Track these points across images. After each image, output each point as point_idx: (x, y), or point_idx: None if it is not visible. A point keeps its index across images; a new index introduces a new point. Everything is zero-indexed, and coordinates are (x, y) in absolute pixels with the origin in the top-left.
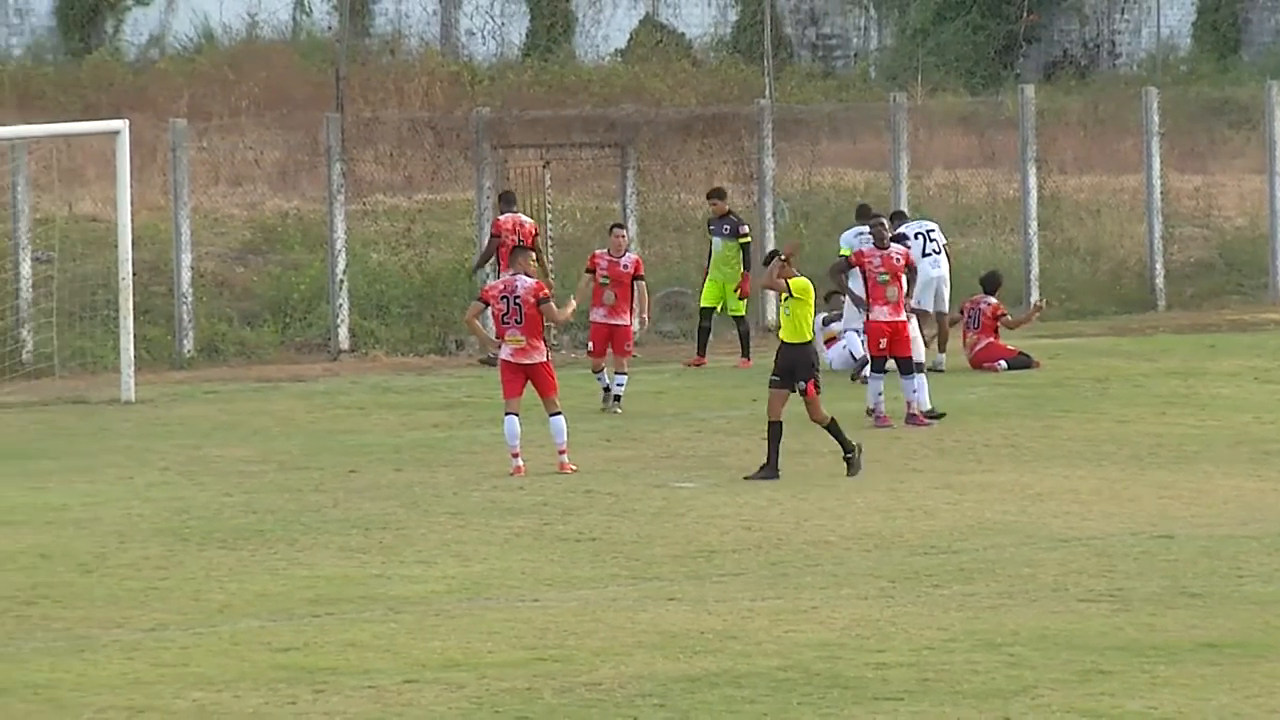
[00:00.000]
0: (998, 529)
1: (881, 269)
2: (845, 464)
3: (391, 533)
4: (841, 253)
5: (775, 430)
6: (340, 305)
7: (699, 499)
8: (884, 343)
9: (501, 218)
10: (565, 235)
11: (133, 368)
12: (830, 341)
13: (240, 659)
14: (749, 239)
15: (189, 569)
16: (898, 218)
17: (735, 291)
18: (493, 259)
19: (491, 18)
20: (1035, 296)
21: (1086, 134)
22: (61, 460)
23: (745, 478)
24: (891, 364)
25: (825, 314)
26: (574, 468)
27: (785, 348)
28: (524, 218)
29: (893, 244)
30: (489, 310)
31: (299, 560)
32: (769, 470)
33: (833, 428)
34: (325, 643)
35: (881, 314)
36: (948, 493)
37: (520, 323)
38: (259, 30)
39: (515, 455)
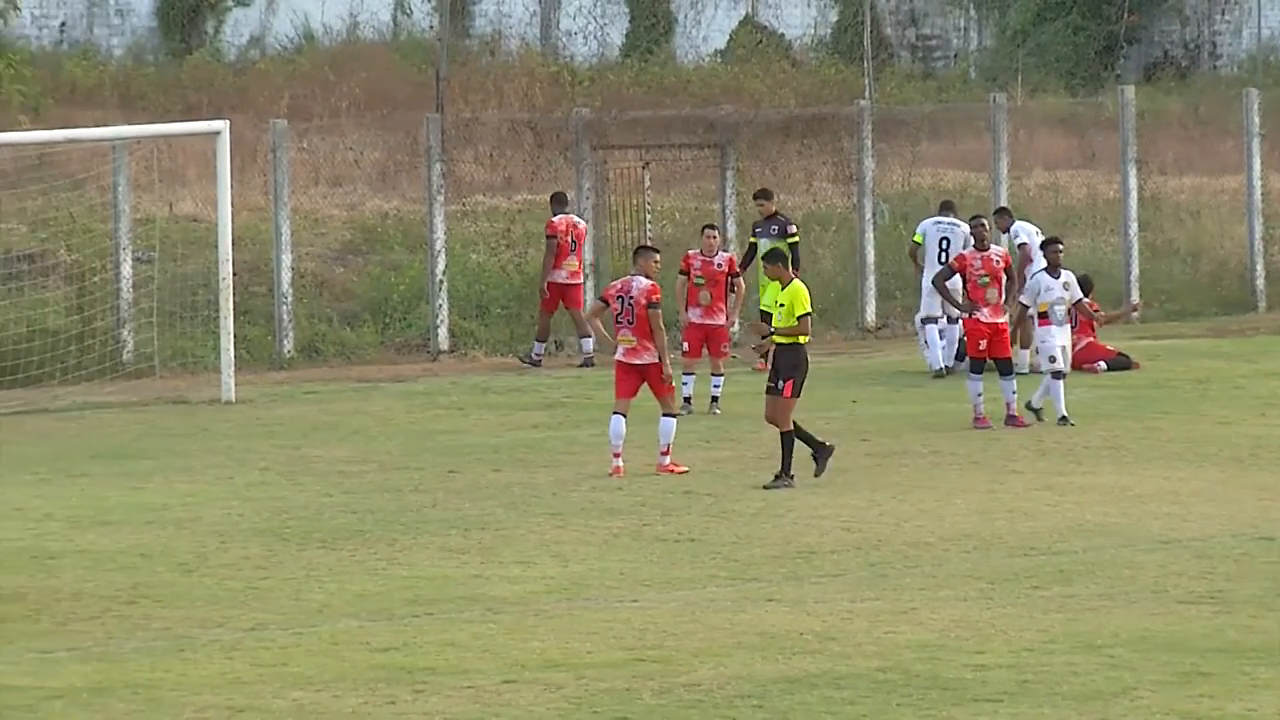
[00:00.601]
0: (1098, 531)
1: (982, 271)
2: (775, 477)
3: (490, 533)
4: (914, 238)
5: (795, 435)
6: (440, 305)
7: (798, 500)
8: (983, 344)
9: (555, 219)
10: (665, 236)
11: (233, 368)
12: None
13: (339, 659)
14: (797, 238)
15: (289, 569)
16: (1002, 214)
17: None
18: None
19: (592, 18)
20: (1134, 297)
21: (1187, 135)
22: (161, 460)
23: (766, 484)
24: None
25: (922, 314)
26: (682, 469)
27: (778, 350)
28: (577, 219)
29: (992, 245)
30: (608, 309)
31: (398, 560)
32: (818, 464)
33: (788, 440)
34: (424, 643)
35: (981, 316)
36: (1047, 494)
37: (632, 323)
38: (359, 31)
39: (616, 455)
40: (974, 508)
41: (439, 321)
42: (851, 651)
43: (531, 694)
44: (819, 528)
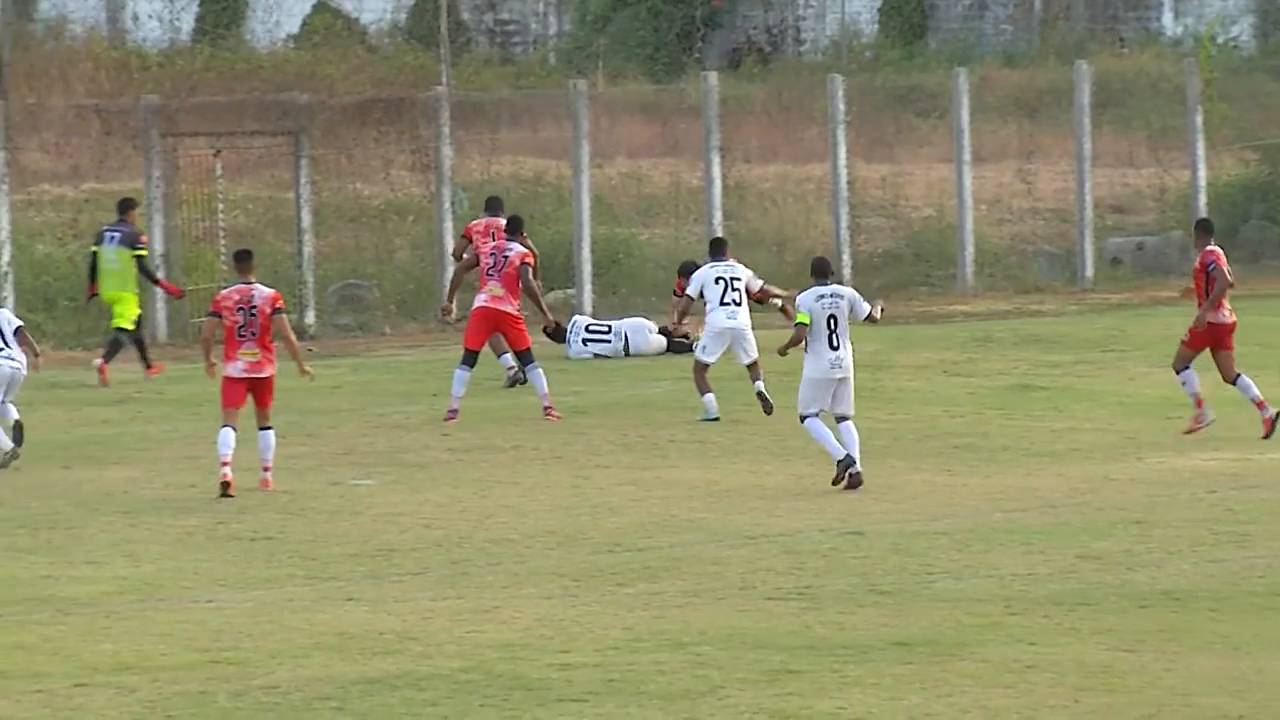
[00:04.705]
0: (684, 526)
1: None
2: None
3: (60, 532)
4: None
5: None
6: (5, 298)
7: (377, 497)
8: None
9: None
10: (238, 226)
11: None
12: None
13: None
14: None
15: None
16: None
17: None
18: None
19: (163, 1)
20: None
21: (771, 122)
22: None
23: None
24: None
25: None
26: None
27: None
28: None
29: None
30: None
31: None
32: None
33: None
34: None
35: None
36: (632, 489)
37: (255, 334)
38: None
39: (225, 464)
40: (557, 503)
41: None
42: (433, 651)
43: (104, 697)
44: (399, 525)
